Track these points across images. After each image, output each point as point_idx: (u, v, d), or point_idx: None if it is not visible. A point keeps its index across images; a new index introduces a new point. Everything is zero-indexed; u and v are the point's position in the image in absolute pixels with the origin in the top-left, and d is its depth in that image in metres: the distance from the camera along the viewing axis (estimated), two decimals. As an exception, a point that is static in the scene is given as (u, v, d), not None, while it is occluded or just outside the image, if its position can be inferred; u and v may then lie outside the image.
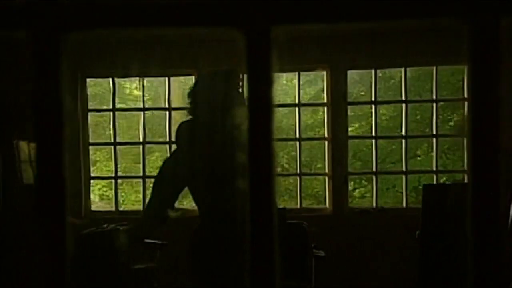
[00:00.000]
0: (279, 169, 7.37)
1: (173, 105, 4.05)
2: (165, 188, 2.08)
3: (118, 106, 7.73)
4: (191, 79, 4.16)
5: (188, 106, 2.10)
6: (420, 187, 4.08)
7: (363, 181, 7.28)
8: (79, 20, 0.42)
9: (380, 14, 0.41)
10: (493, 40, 0.41)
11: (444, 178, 4.81)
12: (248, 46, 0.59)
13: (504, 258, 0.38)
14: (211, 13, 0.41)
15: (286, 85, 8.28)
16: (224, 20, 0.41)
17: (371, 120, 4.30)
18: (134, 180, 6.02)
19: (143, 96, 4.20)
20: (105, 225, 3.24)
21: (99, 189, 6.62)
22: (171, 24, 0.46)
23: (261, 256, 0.40)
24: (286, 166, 7.10)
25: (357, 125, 7.37)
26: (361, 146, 7.05)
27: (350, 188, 7.21)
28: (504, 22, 0.39)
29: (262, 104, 0.60)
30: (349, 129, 7.79)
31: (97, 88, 6.78)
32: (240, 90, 2.12)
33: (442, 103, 4.97)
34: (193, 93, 2.11)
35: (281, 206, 3.39)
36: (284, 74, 7.39)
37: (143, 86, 4.19)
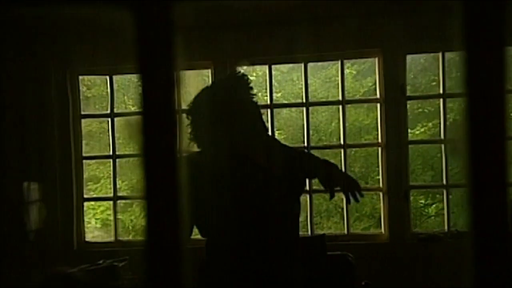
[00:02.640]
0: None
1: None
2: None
3: (132, 109, 7.90)
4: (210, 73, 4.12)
5: (189, 129, 2.14)
6: None
7: (438, 195, 7.05)
8: None
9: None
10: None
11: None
12: (140, 31, 0.54)
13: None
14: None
15: (336, 77, 8.16)
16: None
17: (448, 117, 4.11)
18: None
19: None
20: (100, 261, 3.23)
21: (102, 212, 6.69)
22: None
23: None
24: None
25: (430, 124, 7.16)
26: (434, 151, 6.82)
27: (421, 203, 7.01)
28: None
29: (160, 112, 0.53)
30: (420, 129, 7.66)
31: (101, 88, 6.90)
32: (255, 100, 2.15)
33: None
34: (192, 113, 2.15)
35: (319, 232, 3.29)
36: (331, 63, 7.28)
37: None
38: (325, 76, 8.10)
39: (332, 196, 2.23)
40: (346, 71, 8.85)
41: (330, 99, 7.71)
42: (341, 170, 2.31)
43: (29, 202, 3.89)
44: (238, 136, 2.11)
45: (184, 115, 2.13)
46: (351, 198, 2.23)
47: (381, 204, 4.00)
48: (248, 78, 2.19)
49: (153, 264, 0.52)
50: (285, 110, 8.46)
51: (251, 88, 2.18)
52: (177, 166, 0.51)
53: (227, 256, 2.12)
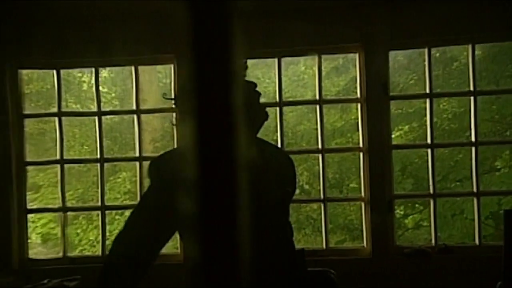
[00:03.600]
0: (296, 192, 7.32)
1: (145, 106, 3.95)
2: (150, 222, 2.05)
3: (73, 107, 7.78)
4: (170, 69, 4.09)
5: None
6: (501, 212, 3.94)
7: (417, 205, 7.16)
8: None
9: None
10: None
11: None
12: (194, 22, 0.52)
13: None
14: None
15: (304, 74, 8.20)
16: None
17: (426, 120, 4.19)
18: (95, 213, 5.97)
19: (97, 94, 4.09)
20: (45, 281, 3.15)
21: (43, 225, 6.56)
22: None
23: None
24: (307, 187, 6.98)
25: (406, 127, 7.27)
26: (412, 156, 6.93)
27: (399, 214, 7.10)
28: None
29: (218, 110, 0.53)
30: (395, 133, 7.76)
31: (40, 84, 6.76)
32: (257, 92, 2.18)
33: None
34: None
35: (298, 247, 3.30)
36: (301, 59, 7.33)
37: (96, 78, 4.10)
38: (292, 73, 8.14)
39: None
40: (315, 69, 8.94)
41: (298, 98, 7.77)
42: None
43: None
44: None
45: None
46: None
47: (363, 215, 4.03)
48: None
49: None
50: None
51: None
52: (237, 176, 0.50)
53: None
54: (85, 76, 8.41)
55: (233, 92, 0.53)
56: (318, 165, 4.17)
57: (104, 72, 8.75)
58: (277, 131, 4.07)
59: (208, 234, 0.51)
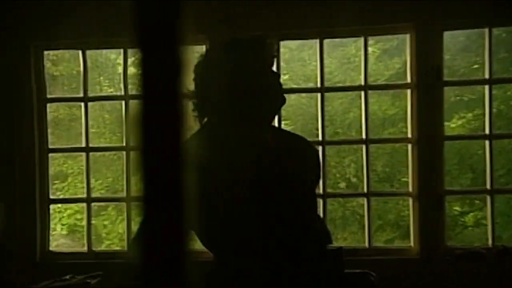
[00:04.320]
0: (343, 185, 7.29)
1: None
2: None
3: (108, 91, 7.87)
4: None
5: (194, 99, 2.14)
6: None
7: (478, 201, 7.04)
8: None
9: None
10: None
11: None
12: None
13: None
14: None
15: (356, 57, 8.13)
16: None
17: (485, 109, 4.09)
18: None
19: (124, 76, 4.14)
20: (67, 277, 3.22)
21: (70, 216, 6.68)
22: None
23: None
24: (354, 180, 6.94)
25: (470, 115, 7.15)
26: (474, 148, 6.80)
27: (457, 211, 7.00)
28: None
29: (163, 98, 0.54)
30: (456, 122, 7.62)
31: (70, 66, 6.85)
32: (275, 73, 2.18)
33: None
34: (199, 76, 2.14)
35: (335, 245, 3.28)
36: (351, 41, 7.25)
37: (125, 60, 4.15)
38: (342, 56, 8.06)
39: None
40: (369, 49, 8.84)
41: (348, 83, 7.71)
42: None
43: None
44: (250, 113, 2.12)
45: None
46: None
47: (410, 212, 3.99)
48: (274, 49, 2.20)
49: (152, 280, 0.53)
50: (293, 96, 8.46)
51: (274, 56, 2.20)
52: (183, 164, 0.51)
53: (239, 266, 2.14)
54: (120, 58, 8.53)
55: (179, 79, 0.54)
56: (362, 156, 4.13)
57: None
58: (313, 119, 4.05)
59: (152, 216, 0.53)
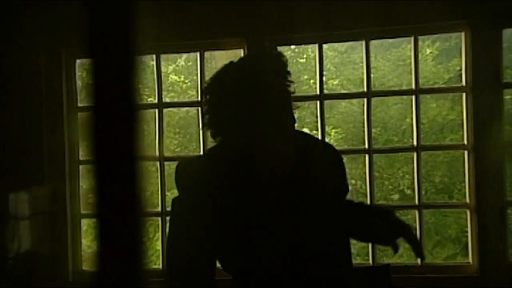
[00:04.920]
0: (396, 197, 7.21)
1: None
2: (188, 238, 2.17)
3: (148, 100, 7.94)
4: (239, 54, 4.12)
5: (206, 117, 2.20)
6: None
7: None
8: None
9: None
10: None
11: None
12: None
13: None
14: None
15: (412, 59, 8.05)
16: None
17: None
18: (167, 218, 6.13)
19: (158, 83, 4.18)
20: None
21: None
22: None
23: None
24: (409, 192, 6.85)
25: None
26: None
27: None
28: None
29: (116, 105, 0.55)
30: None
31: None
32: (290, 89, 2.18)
33: None
34: (212, 92, 2.19)
35: (384, 262, 3.25)
36: (404, 41, 7.17)
37: (158, 66, 4.18)
38: (397, 58, 8.00)
39: (396, 251, 2.27)
40: (427, 50, 8.76)
41: (404, 87, 7.63)
42: (396, 218, 2.29)
43: (17, 217, 3.97)
44: (260, 127, 2.13)
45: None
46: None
47: (468, 225, 3.92)
48: (284, 60, 2.19)
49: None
50: (344, 103, 8.42)
51: (288, 72, 2.19)
52: (138, 173, 0.51)
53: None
54: (166, 65, 8.64)
55: (132, 78, 0.54)
56: (413, 164, 4.07)
57: (180, 60, 8.96)
58: (364, 126, 4.01)
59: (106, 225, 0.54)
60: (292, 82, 2.19)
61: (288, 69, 2.22)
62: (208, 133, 2.21)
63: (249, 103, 2.09)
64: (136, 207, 0.50)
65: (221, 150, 2.20)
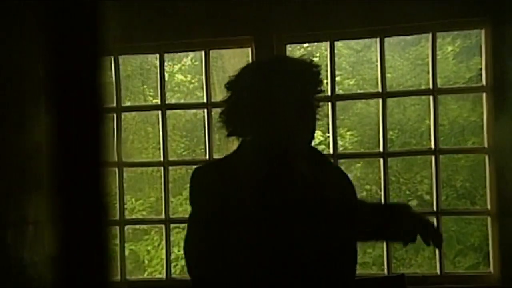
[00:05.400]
0: (414, 203, 7.17)
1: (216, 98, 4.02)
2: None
3: (153, 101, 8.00)
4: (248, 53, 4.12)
5: (223, 117, 2.19)
6: None
7: None
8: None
9: None
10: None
11: None
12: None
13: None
14: None
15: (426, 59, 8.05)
16: None
17: None
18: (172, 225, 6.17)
19: (161, 83, 4.18)
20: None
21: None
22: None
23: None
24: (427, 198, 6.83)
25: None
26: None
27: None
28: None
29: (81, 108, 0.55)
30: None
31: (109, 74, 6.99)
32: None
33: None
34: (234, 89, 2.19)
35: (397, 273, 3.26)
36: (422, 38, 7.16)
37: (161, 66, 4.19)
38: (416, 56, 7.98)
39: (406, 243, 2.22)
40: (448, 48, 8.72)
41: (423, 87, 7.61)
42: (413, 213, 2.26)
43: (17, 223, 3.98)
44: (277, 136, 2.13)
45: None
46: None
47: (489, 232, 3.91)
48: (317, 70, 2.19)
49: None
50: (360, 104, 8.40)
51: (320, 82, 2.20)
52: (105, 179, 0.52)
53: None
54: (166, 64, 8.64)
55: (97, 80, 0.54)
56: (431, 169, 4.05)
57: (186, 59, 8.97)
58: (379, 128, 4.00)
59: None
60: (322, 90, 2.20)
61: (321, 80, 2.22)
62: (224, 132, 2.21)
63: (272, 107, 2.09)
64: (100, 213, 0.50)
65: (240, 157, 2.20)
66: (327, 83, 3.98)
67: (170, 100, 7.58)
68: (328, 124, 4.08)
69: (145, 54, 4.85)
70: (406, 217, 2.16)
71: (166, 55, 4.24)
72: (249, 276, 2.19)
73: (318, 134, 6.96)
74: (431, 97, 4.01)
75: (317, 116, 2.18)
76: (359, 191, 7.38)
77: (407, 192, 7.02)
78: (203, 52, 4.09)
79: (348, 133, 8.20)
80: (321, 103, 2.23)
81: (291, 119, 2.11)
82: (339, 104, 4.04)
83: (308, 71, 2.17)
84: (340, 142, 8.05)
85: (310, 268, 2.10)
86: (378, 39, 3.96)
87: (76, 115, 0.49)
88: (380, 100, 4.00)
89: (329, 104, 3.98)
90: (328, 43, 4.02)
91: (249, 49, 4.01)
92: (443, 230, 4.04)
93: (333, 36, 3.99)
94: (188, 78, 8.74)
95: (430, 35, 3.97)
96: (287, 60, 2.39)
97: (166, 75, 9.27)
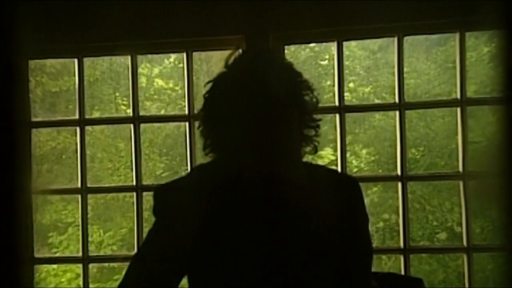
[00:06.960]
0: (443, 236, 7.10)
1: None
2: (154, 272, 2.22)
3: (126, 112, 7.98)
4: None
5: (200, 126, 2.28)
6: None
7: None
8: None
9: None
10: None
11: None
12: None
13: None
14: None
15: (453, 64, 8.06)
16: None
17: None
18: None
19: (133, 92, 4.20)
20: None
21: (70, 281, 6.75)
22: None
23: None
24: (458, 230, 6.83)
25: None
26: None
27: None
28: None
29: None
30: None
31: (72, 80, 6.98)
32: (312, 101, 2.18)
33: None
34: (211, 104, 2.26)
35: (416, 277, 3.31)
36: (450, 39, 7.18)
37: (134, 69, 4.21)
38: (444, 59, 7.97)
39: None
40: (483, 49, 8.65)
41: (454, 96, 7.63)
42: None
43: None
44: (259, 148, 2.16)
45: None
46: None
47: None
48: (300, 79, 2.23)
49: None
50: (377, 115, 8.40)
51: (300, 81, 2.23)
52: (17, 209, 0.57)
53: None
54: (143, 67, 8.60)
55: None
56: (459, 195, 4.06)
57: (165, 62, 8.93)
58: (396, 144, 4.00)
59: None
60: (311, 91, 2.22)
61: (303, 76, 2.24)
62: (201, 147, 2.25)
63: (248, 117, 2.11)
64: (14, 252, 0.54)
65: (212, 172, 2.24)
66: (334, 91, 3.99)
67: (149, 110, 7.54)
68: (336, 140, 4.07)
69: (111, 56, 4.87)
70: None
71: (139, 57, 4.24)
72: None
73: (328, 153, 6.95)
74: (458, 109, 4.01)
75: (305, 132, 2.21)
76: (375, 221, 7.35)
77: (435, 223, 6.98)
78: (184, 54, 4.10)
79: (364, 150, 8.19)
80: (317, 116, 2.24)
81: (250, 136, 2.14)
82: (353, 115, 4.05)
83: (286, 80, 2.19)
84: (354, 162, 8.04)
85: None
86: (395, 38, 3.96)
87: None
88: (397, 113, 4.00)
89: (337, 115, 3.97)
90: (335, 43, 4.00)
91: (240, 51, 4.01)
92: (477, 270, 4.03)
93: (341, 35, 3.98)
94: (170, 85, 8.69)
95: (457, 34, 3.97)
96: (265, 65, 2.33)
97: (144, 79, 9.23)
